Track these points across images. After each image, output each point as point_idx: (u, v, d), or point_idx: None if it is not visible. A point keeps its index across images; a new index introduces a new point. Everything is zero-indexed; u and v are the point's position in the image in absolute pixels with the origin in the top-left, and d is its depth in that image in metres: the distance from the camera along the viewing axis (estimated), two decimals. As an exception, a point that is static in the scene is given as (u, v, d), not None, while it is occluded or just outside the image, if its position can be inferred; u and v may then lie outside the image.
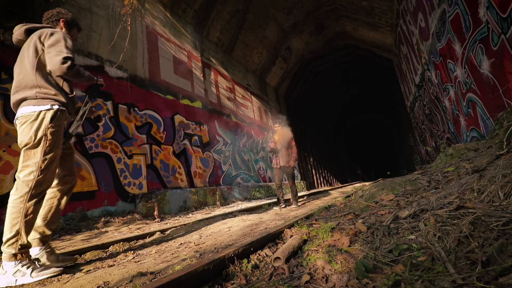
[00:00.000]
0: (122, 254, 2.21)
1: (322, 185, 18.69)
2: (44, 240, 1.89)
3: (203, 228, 3.06)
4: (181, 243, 2.39)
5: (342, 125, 28.33)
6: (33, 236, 1.85)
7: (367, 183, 4.77)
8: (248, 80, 11.76)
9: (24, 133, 1.75)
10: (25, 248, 1.67)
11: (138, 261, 1.91)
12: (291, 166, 4.90)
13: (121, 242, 2.53)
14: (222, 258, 1.33)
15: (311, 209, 3.47)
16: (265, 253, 1.56)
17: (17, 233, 1.63)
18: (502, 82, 3.42)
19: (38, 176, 1.70)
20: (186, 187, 6.43)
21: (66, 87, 1.96)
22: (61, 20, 2.08)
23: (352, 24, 11.39)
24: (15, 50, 3.83)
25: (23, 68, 1.85)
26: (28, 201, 1.67)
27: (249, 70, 12.05)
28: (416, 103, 9.95)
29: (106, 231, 3.53)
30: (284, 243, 1.77)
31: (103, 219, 3.99)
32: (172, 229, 3.18)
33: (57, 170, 1.94)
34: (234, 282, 1.22)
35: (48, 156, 1.75)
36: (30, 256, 1.72)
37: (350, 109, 24.91)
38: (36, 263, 1.71)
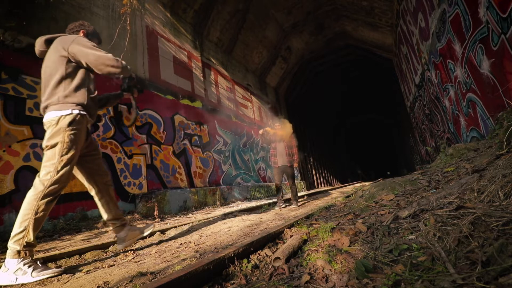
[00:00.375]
0: (122, 254, 2.21)
1: (322, 185, 18.69)
2: (123, 224, 2.26)
3: (203, 228, 3.06)
4: (181, 243, 2.39)
5: (342, 125, 28.31)
6: (114, 225, 2.24)
7: (367, 183, 4.78)
8: (248, 80, 11.76)
9: (46, 136, 1.88)
10: (30, 246, 1.71)
11: (138, 261, 1.91)
12: (291, 166, 4.89)
13: (121, 242, 2.53)
14: (222, 258, 1.33)
15: (311, 209, 3.47)
16: (265, 253, 1.56)
17: (25, 229, 1.69)
18: (502, 82, 3.42)
19: (54, 176, 1.79)
20: (186, 187, 6.43)
21: (91, 88, 2.07)
22: (81, 31, 2.22)
23: (352, 24, 11.39)
24: (15, 50, 3.84)
25: (48, 76, 1.95)
26: (41, 199, 1.74)
27: (249, 70, 12.04)
28: (416, 103, 9.95)
29: (106, 231, 3.53)
30: (284, 243, 1.77)
31: (103, 219, 3.99)
32: (172, 229, 3.18)
33: (88, 175, 2.18)
34: (234, 282, 1.21)
35: (64, 158, 1.84)
36: (33, 255, 1.76)
37: (350, 109, 24.90)
38: (38, 263, 1.72)
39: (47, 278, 1.67)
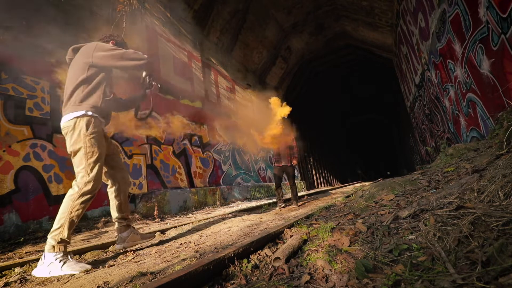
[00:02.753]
0: (122, 254, 2.21)
1: (322, 185, 18.68)
2: (128, 224, 2.32)
3: (203, 228, 3.06)
4: (181, 243, 2.39)
5: (342, 125, 28.31)
6: (120, 224, 2.29)
7: (367, 183, 4.80)
8: (248, 80, 11.76)
9: (68, 142, 2.00)
10: (63, 243, 1.84)
11: (138, 261, 1.91)
12: (292, 165, 4.93)
13: (121, 242, 2.53)
14: (222, 258, 1.33)
15: (311, 209, 3.47)
16: (265, 253, 1.56)
17: (61, 226, 1.83)
18: (502, 82, 3.42)
19: (86, 178, 1.95)
20: (186, 187, 6.43)
21: (107, 92, 2.16)
22: (111, 41, 2.32)
23: (352, 24, 11.38)
24: (15, 50, 3.83)
25: (69, 82, 2.05)
26: (76, 200, 1.89)
27: (249, 70, 12.04)
28: (416, 103, 9.95)
29: (106, 231, 3.53)
30: (284, 243, 1.77)
31: (103, 219, 3.99)
32: (172, 229, 3.18)
33: (111, 172, 2.28)
34: (234, 282, 1.21)
35: (90, 161, 1.97)
36: (66, 250, 1.87)
37: (350, 109, 24.90)
38: (69, 257, 1.84)
39: (75, 273, 1.75)
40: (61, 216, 1.86)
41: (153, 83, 2.41)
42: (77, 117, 1.94)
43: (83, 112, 1.95)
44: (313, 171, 17.47)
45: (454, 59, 4.85)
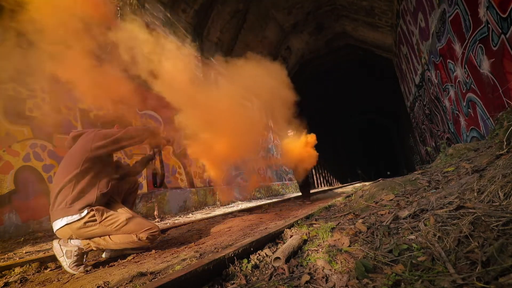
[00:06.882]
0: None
1: (322, 185, 18.69)
2: None
3: (203, 228, 3.06)
4: (181, 243, 2.39)
5: (342, 125, 28.31)
6: None
7: (367, 183, 4.81)
8: (248, 80, 11.75)
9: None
10: None
11: (138, 261, 1.91)
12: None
13: (121, 242, 2.53)
14: (222, 258, 1.33)
15: (311, 209, 3.47)
16: (265, 253, 1.56)
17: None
18: (502, 82, 3.42)
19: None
20: (186, 187, 6.43)
21: (103, 185, 2.04)
22: (115, 126, 2.31)
23: (352, 24, 11.39)
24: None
25: (61, 174, 2.04)
26: None
27: (249, 70, 12.05)
28: (416, 103, 9.95)
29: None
30: (284, 243, 1.77)
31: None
32: (172, 229, 3.18)
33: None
34: (234, 282, 1.21)
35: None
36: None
37: (350, 109, 24.90)
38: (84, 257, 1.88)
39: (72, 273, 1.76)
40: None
41: (156, 154, 2.52)
42: (69, 223, 1.79)
43: (77, 216, 1.79)
44: (313, 171, 17.48)
45: (454, 59, 4.85)
